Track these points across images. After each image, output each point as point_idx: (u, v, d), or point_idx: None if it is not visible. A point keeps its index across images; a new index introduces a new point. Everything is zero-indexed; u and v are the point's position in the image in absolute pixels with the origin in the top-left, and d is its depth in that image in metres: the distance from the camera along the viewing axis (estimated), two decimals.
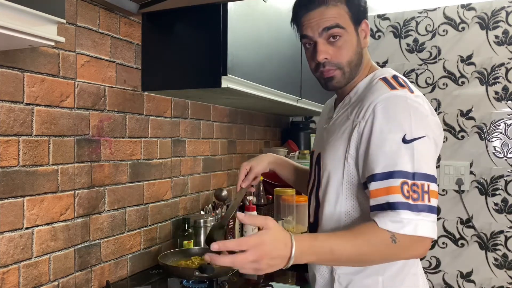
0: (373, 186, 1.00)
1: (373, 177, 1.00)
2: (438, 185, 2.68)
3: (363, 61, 1.16)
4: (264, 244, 0.87)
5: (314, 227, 1.21)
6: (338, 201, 1.12)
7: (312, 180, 1.25)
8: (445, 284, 2.73)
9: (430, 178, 0.98)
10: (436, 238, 0.99)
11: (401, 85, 1.07)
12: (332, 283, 1.14)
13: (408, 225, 0.95)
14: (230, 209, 1.35)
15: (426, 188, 0.97)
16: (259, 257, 0.87)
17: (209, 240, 1.17)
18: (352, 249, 0.97)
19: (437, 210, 0.99)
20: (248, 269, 0.89)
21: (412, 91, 1.06)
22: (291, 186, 1.56)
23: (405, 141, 0.99)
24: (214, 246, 0.86)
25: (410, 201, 0.96)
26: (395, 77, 1.10)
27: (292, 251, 0.90)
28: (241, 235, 2.09)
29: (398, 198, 0.96)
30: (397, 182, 0.97)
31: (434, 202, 0.98)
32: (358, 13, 1.13)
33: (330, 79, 1.14)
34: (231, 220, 2.06)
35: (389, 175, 0.98)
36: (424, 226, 0.96)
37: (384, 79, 1.09)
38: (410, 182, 0.97)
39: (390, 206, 0.97)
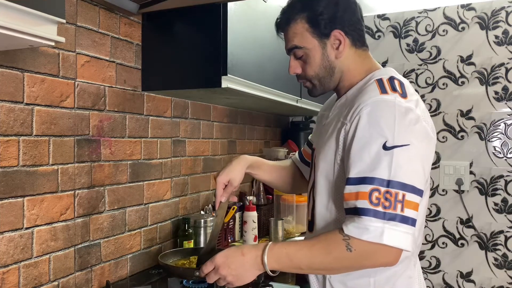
0: (347, 189, 0.99)
1: (348, 181, 0.99)
2: (438, 185, 2.68)
3: (335, 71, 1.15)
4: (217, 258, 1.05)
5: (311, 225, 1.22)
6: (330, 201, 1.12)
7: (311, 178, 1.25)
8: (445, 284, 2.73)
9: (407, 188, 0.95)
10: (409, 250, 0.96)
11: (394, 89, 1.04)
12: (324, 284, 1.14)
13: (373, 232, 0.93)
14: (214, 229, 1.28)
15: (400, 197, 0.94)
16: (216, 266, 1.05)
17: (199, 263, 1.25)
18: (309, 257, 1.00)
19: (414, 223, 0.96)
20: (221, 281, 1.06)
21: (404, 96, 1.03)
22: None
23: (385, 147, 0.96)
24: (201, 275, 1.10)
25: (379, 208, 0.94)
26: (390, 79, 1.07)
27: (250, 255, 1.03)
28: (241, 235, 2.10)
29: (364, 204, 0.95)
30: (366, 188, 0.96)
31: (409, 213, 0.95)
32: (324, 27, 1.12)
33: (308, 89, 1.22)
34: (231, 221, 2.06)
35: (362, 180, 0.97)
36: (391, 234, 0.93)
37: (379, 81, 1.07)
38: (383, 189, 0.95)
39: (357, 212, 0.96)
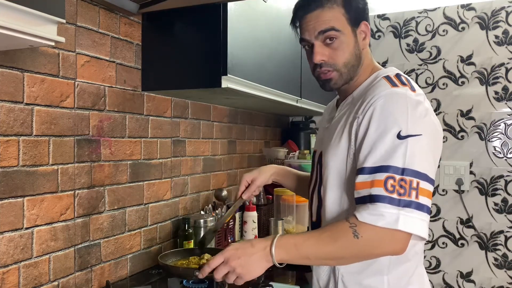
0: (360, 178, 1.00)
1: (362, 170, 1.00)
2: (438, 185, 2.69)
3: (362, 62, 1.17)
4: (227, 250, 1.05)
5: (317, 226, 1.21)
6: (342, 198, 1.12)
7: (314, 179, 1.25)
8: (445, 284, 2.73)
9: (421, 176, 0.97)
10: (425, 237, 0.98)
11: (403, 83, 1.07)
12: (335, 283, 1.13)
13: (388, 218, 0.94)
14: (226, 215, 1.40)
15: (414, 185, 0.96)
16: (226, 258, 1.03)
17: (201, 242, 1.39)
18: (316, 245, 1.00)
19: (429, 210, 0.98)
20: (230, 276, 1.04)
21: (413, 90, 1.07)
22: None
23: (399, 136, 0.98)
24: (200, 276, 1.09)
25: (394, 195, 0.95)
26: (398, 76, 1.11)
27: (259, 246, 1.03)
28: (241, 235, 2.10)
29: (379, 191, 0.96)
30: (382, 176, 0.97)
31: (423, 200, 0.97)
32: (356, 15, 1.14)
33: (328, 80, 1.16)
34: (231, 221, 2.06)
35: (377, 169, 0.98)
36: (406, 221, 0.94)
37: (387, 77, 1.10)
38: (398, 177, 0.96)
39: (371, 199, 0.97)
